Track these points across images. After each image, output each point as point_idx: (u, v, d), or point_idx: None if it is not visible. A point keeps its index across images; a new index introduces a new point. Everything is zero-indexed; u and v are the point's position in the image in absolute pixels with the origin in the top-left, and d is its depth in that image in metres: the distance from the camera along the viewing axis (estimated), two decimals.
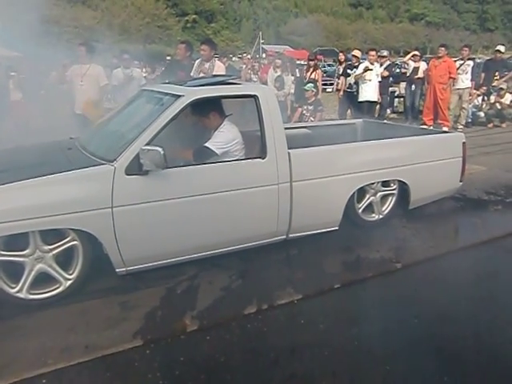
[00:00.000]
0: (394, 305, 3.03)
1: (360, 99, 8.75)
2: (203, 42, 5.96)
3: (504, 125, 10.12)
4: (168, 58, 9.52)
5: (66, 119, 6.79)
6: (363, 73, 8.48)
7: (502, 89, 10.38)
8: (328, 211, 3.85)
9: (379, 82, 8.69)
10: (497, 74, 10.36)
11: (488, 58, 11.72)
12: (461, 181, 4.56)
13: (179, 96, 3.28)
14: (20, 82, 9.34)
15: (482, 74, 10.37)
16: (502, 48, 10.35)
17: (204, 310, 2.90)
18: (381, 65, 9.15)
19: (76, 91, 6.53)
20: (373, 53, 8.81)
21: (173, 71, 6.13)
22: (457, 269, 3.52)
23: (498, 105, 10.23)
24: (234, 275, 3.35)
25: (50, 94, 8.27)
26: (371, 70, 8.49)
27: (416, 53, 10.30)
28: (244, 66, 12.42)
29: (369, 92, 8.66)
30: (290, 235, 3.71)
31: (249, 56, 14.69)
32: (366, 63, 8.64)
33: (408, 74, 10.40)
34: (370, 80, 8.58)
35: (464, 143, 4.47)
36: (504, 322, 2.78)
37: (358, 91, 8.80)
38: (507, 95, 10.34)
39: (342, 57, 10.18)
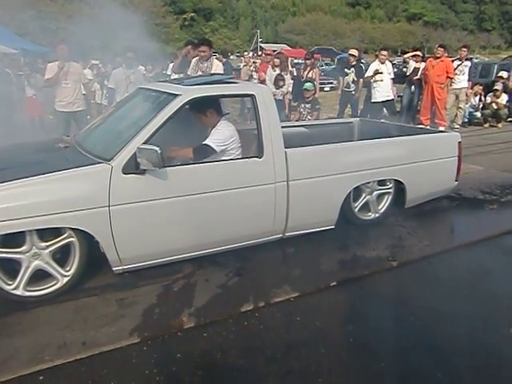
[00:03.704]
0: (389, 302, 3.05)
1: (373, 100, 8.91)
2: (202, 42, 5.92)
3: (500, 125, 10.18)
4: (170, 63, 9.57)
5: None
6: (372, 76, 8.61)
7: (497, 89, 10.44)
8: (324, 210, 3.87)
9: (389, 79, 8.80)
10: None
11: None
12: (456, 180, 4.58)
13: (176, 95, 3.28)
14: (34, 79, 9.52)
15: None
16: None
17: (201, 308, 2.91)
18: None
19: (59, 89, 6.51)
20: (384, 52, 8.90)
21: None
22: (452, 267, 3.55)
23: (494, 105, 10.29)
24: (231, 273, 3.36)
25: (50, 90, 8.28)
26: (381, 73, 8.60)
27: (418, 53, 10.29)
28: (242, 65, 12.42)
29: (381, 92, 8.80)
30: (287, 234, 3.73)
31: (250, 54, 14.68)
32: (375, 64, 8.72)
33: (408, 74, 10.41)
34: (381, 80, 8.69)
35: (460, 143, 4.50)
36: (498, 320, 2.81)
37: (355, 90, 8.85)
38: (503, 95, 10.40)
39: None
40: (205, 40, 6.18)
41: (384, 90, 8.76)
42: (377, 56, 9.28)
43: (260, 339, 2.62)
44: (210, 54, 5.79)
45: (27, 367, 2.36)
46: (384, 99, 8.81)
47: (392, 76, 8.91)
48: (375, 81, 8.71)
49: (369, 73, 8.72)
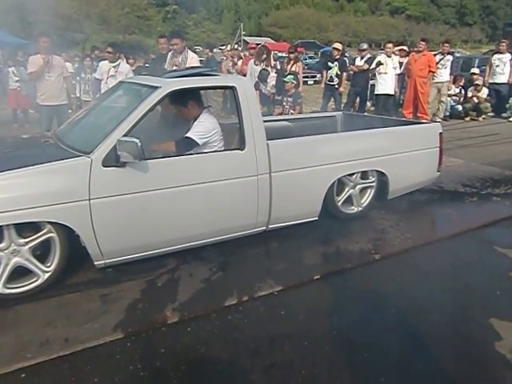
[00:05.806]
0: (372, 295, 3.08)
1: (376, 92, 9.13)
2: (173, 35, 5.77)
3: (481, 118, 10.32)
4: (153, 56, 9.35)
5: None
6: (376, 67, 8.72)
7: (478, 84, 10.58)
8: (307, 202, 3.88)
9: (394, 74, 8.98)
10: None
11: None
12: (438, 171, 4.64)
13: (156, 87, 3.25)
14: (19, 72, 9.40)
15: None
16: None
17: (185, 302, 2.90)
18: (361, 58, 9.22)
19: (42, 82, 6.37)
20: (389, 45, 9.06)
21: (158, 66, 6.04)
22: (433, 259, 3.59)
23: (475, 99, 10.42)
24: (215, 267, 3.36)
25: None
26: (382, 64, 8.70)
27: (404, 47, 10.34)
28: (224, 58, 12.29)
29: (384, 85, 8.89)
30: (270, 226, 3.73)
31: (228, 48, 14.53)
32: (380, 57, 8.83)
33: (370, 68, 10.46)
34: (385, 73, 8.79)
35: (441, 133, 4.55)
36: (478, 311, 2.86)
37: (338, 84, 8.88)
38: (484, 89, 10.54)
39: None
40: (175, 32, 6.05)
41: (386, 83, 8.90)
42: (360, 50, 9.33)
43: (244, 333, 2.62)
44: (182, 46, 5.66)
45: (8, 365, 2.33)
46: (384, 92, 8.94)
47: (398, 71, 9.03)
48: (379, 73, 8.83)
49: (372, 65, 8.90)
